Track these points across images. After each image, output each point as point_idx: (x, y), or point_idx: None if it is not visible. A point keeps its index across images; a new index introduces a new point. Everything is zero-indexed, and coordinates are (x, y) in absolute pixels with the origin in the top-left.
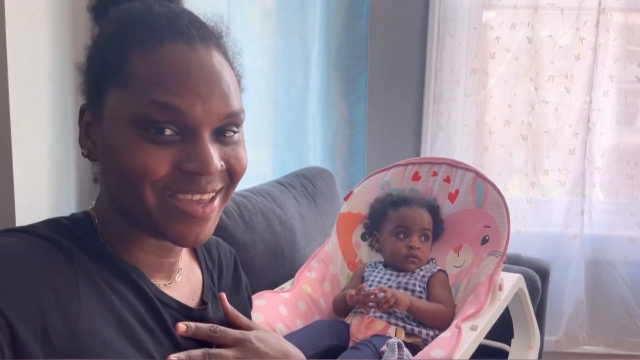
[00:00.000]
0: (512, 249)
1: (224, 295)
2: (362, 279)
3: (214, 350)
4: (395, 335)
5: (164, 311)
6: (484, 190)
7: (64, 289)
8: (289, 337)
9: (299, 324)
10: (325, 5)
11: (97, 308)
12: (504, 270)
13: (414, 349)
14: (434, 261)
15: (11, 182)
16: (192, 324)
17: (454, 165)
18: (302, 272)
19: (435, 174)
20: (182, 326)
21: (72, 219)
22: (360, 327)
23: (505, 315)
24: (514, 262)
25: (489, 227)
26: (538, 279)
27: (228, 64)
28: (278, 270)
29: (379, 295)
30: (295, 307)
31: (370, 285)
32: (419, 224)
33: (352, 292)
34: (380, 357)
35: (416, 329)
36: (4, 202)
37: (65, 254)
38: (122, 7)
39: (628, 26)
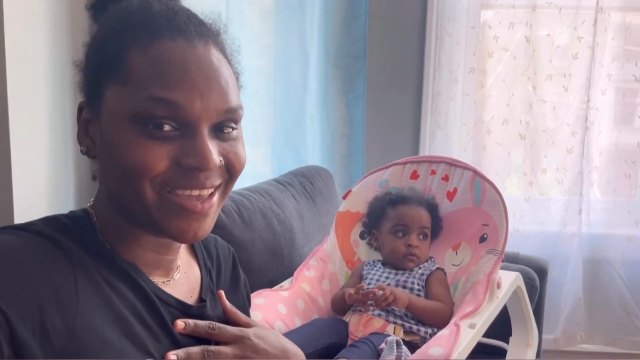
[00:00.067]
0: (510, 247)
1: (222, 292)
2: (361, 278)
3: (212, 348)
4: (394, 333)
5: (163, 308)
6: (482, 188)
7: (62, 286)
8: (288, 335)
9: (297, 322)
10: (323, 4)
11: (96, 305)
12: (502, 268)
13: (413, 347)
14: (432, 259)
15: (10, 179)
16: (191, 321)
17: (453, 163)
18: (300, 271)
19: (433, 172)
20: (180, 323)
21: (71, 216)
22: (358, 325)
23: (504, 314)
24: (512, 261)
25: (487, 225)
26: (536, 278)
27: (226, 60)
28: (277, 268)
29: (377, 294)
30: (294, 305)
31: (369, 284)
32: (418, 223)
33: (351, 291)
34: (379, 355)
35: (414, 327)
36: (3, 200)
37: (63, 252)
38: (120, 4)
39: (626, 25)
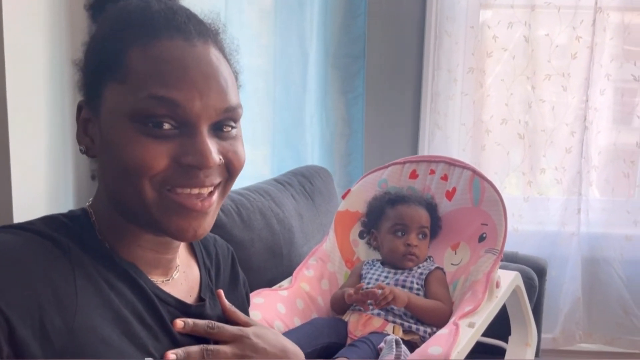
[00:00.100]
0: (510, 247)
1: (221, 292)
2: (360, 277)
3: (212, 347)
4: (393, 333)
5: (162, 308)
6: (482, 188)
7: (61, 285)
8: (287, 334)
9: (297, 322)
10: (322, 4)
11: (95, 304)
12: (501, 268)
13: (412, 346)
14: (431, 259)
15: (9, 179)
16: (190, 321)
17: (452, 163)
18: (300, 270)
19: (432, 172)
20: (179, 322)
21: (70, 215)
22: (358, 324)
23: (503, 313)
24: (511, 260)
25: (487, 224)
26: (535, 277)
27: (225, 60)
28: (276, 268)
29: (377, 293)
30: (293, 305)
31: (368, 283)
32: (417, 222)
33: (351, 291)
34: (378, 354)
35: (414, 326)
36: (2, 199)
37: (62, 251)
38: (119, 4)
39: (624, 25)
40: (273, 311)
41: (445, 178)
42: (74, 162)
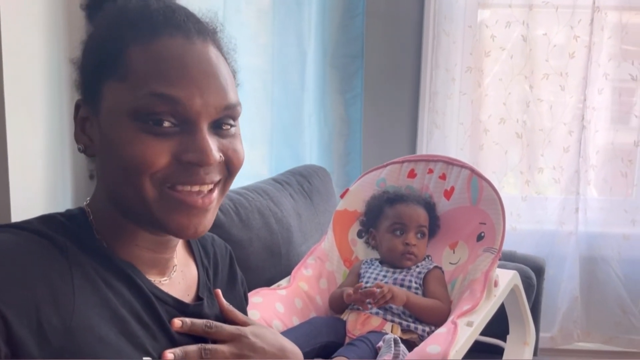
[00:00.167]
0: (508, 246)
1: (219, 291)
2: (359, 276)
3: (209, 346)
4: (392, 332)
5: (160, 307)
6: (480, 187)
7: (59, 284)
8: (286, 333)
9: (295, 321)
10: (321, 3)
11: (93, 303)
12: (500, 267)
13: (410, 345)
14: (430, 258)
15: (7, 178)
16: (188, 320)
17: (450, 162)
18: (298, 270)
19: (431, 171)
20: (177, 322)
21: (67, 215)
22: (356, 323)
23: (501, 312)
24: (509, 259)
25: (485, 223)
26: (533, 276)
27: (223, 58)
28: (274, 267)
29: (376, 292)
30: (292, 304)
31: (367, 282)
32: (415, 221)
33: (350, 291)
34: (377, 353)
35: (412, 325)
36: (0, 199)
37: (60, 250)
38: (117, 3)
39: (622, 25)
40: (271, 310)
41: (443, 177)
42: (72, 161)
